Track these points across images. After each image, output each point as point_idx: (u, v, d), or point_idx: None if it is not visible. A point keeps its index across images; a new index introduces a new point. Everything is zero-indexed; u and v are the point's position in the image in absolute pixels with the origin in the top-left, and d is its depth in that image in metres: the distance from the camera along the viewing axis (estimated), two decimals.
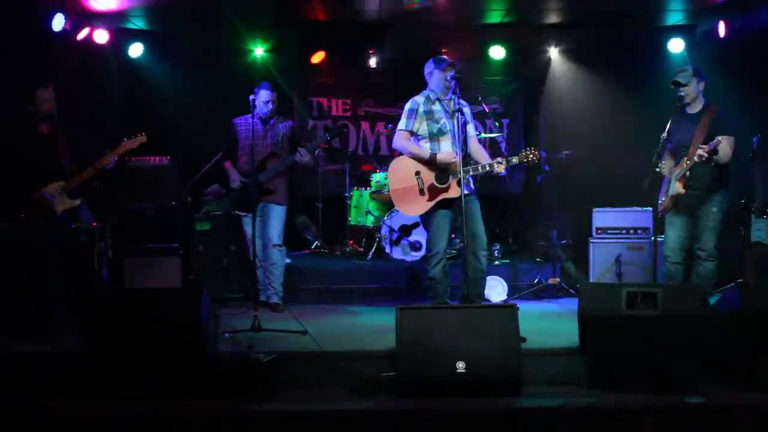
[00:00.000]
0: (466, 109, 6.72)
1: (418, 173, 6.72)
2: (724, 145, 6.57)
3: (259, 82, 7.77)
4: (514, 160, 6.45)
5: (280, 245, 7.74)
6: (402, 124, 6.86)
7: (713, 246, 6.77)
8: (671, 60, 9.83)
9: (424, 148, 6.72)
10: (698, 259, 6.86)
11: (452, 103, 6.53)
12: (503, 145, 10.60)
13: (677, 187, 6.81)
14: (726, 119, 6.80)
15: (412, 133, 6.80)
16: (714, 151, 6.46)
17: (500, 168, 6.42)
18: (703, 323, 5.39)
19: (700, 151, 6.52)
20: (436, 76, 6.69)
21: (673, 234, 6.94)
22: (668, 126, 6.74)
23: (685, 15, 9.82)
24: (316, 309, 7.97)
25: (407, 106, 6.85)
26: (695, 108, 6.91)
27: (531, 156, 6.39)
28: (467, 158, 6.55)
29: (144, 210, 8.35)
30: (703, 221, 6.83)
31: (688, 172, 6.72)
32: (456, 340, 5.37)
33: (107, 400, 5.25)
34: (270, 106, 7.71)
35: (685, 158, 6.80)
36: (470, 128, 6.74)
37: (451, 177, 6.54)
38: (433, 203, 6.65)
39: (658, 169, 6.74)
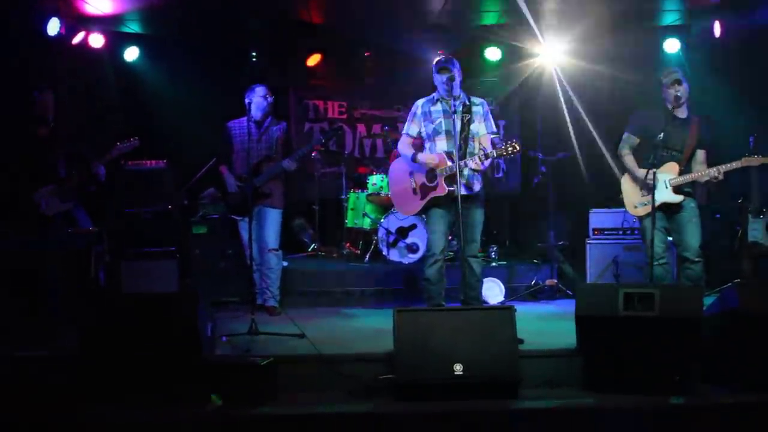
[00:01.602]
0: (478, 108, 6.72)
1: (411, 173, 6.81)
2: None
3: (250, 85, 7.75)
4: (494, 153, 6.44)
5: (276, 249, 7.73)
6: (404, 129, 6.96)
7: (699, 244, 6.71)
8: (667, 60, 9.84)
9: (413, 150, 6.78)
10: (686, 262, 6.75)
11: (450, 103, 6.52)
12: (499, 145, 10.58)
13: (674, 195, 6.75)
14: (709, 131, 6.86)
15: (414, 136, 6.83)
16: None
17: (476, 164, 6.40)
18: (701, 323, 5.39)
19: (715, 173, 6.52)
20: (436, 79, 6.69)
21: (657, 239, 6.85)
22: (663, 126, 6.68)
23: (680, 15, 9.83)
24: (313, 312, 7.96)
25: (411, 109, 6.91)
26: (682, 113, 6.87)
27: (510, 148, 6.37)
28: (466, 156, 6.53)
29: (141, 214, 8.34)
30: (684, 218, 6.76)
31: (683, 178, 6.73)
32: (453, 342, 5.37)
33: (104, 404, 5.24)
34: (269, 99, 7.68)
35: (676, 163, 6.74)
36: (475, 127, 6.67)
37: (438, 175, 6.55)
38: (424, 202, 6.69)
39: (655, 171, 6.68)
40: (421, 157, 6.65)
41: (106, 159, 7.27)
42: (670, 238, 6.97)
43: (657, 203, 6.69)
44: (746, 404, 5.16)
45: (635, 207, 6.94)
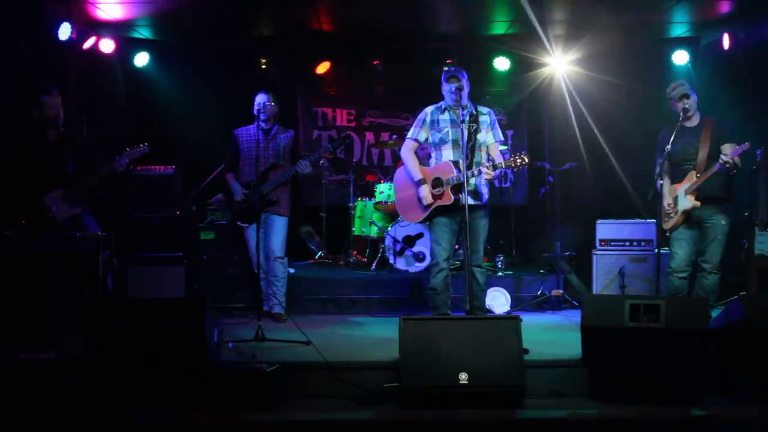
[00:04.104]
0: (485, 117, 6.73)
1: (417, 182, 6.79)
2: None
3: (258, 92, 7.77)
4: (502, 165, 6.45)
5: (282, 257, 7.74)
6: (410, 133, 6.95)
7: (719, 259, 6.82)
8: (675, 72, 9.85)
9: (418, 169, 6.79)
10: (703, 272, 6.88)
11: (458, 112, 6.53)
12: (507, 156, 10.60)
13: (690, 201, 6.81)
14: (727, 127, 6.89)
15: (421, 142, 6.84)
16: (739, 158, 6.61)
17: (488, 174, 6.42)
18: (706, 336, 5.38)
19: (724, 158, 6.55)
20: (444, 88, 6.70)
21: (681, 250, 6.94)
22: (671, 139, 6.73)
23: (689, 27, 9.84)
24: (319, 319, 7.98)
25: (419, 115, 6.91)
26: (693, 121, 6.96)
27: (519, 161, 6.39)
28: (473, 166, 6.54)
29: (149, 219, 8.36)
30: (710, 233, 6.86)
31: (694, 184, 6.76)
32: (459, 351, 5.37)
33: (111, 408, 5.26)
34: (269, 109, 7.59)
35: (694, 172, 6.82)
36: (482, 136, 6.69)
37: (444, 184, 6.57)
38: (428, 211, 6.70)
39: (661, 182, 6.75)
40: (421, 190, 6.68)
41: (125, 157, 7.27)
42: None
43: (678, 213, 6.89)
44: (751, 417, 5.16)
45: (665, 221, 7.03)
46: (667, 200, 6.97)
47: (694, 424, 5.16)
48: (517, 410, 5.31)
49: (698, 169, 6.83)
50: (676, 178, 6.98)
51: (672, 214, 6.95)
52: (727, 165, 6.59)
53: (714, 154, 6.81)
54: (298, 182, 7.88)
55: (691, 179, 6.86)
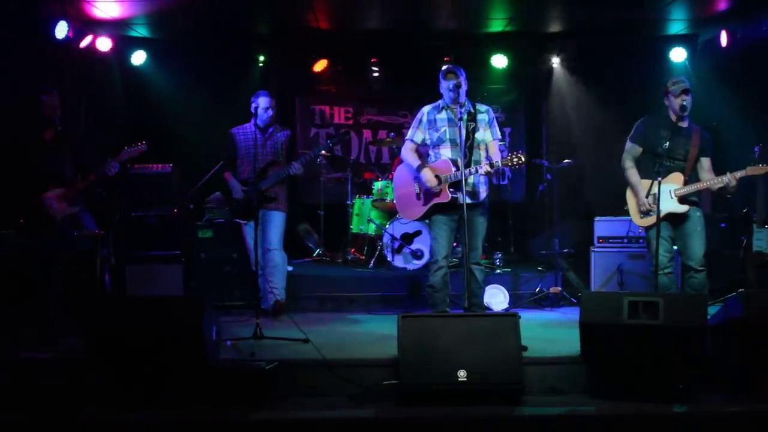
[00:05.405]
0: (483, 115, 6.73)
1: (416, 178, 6.83)
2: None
3: (257, 90, 7.77)
4: (498, 164, 6.44)
5: (279, 249, 7.74)
6: (408, 134, 6.97)
7: (703, 253, 6.69)
8: (673, 69, 9.85)
9: (417, 159, 6.78)
10: (690, 270, 6.73)
11: (456, 110, 6.51)
12: (505, 154, 10.59)
13: (678, 205, 6.72)
14: (710, 141, 6.86)
15: (418, 143, 6.83)
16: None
17: (486, 170, 6.42)
18: (705, 332, 5.38)
19: (731, 178, 6.51)
20: (441, 85, 6.69)
21: (661, 248, 6.82)
22: (668, 134, 6.64)
23: (687, 24, 9.84)
24: (317, 317, 7.97)
25: (416, 115, 6.92)
26: (685, 122, 6.83)
27: (516, 159, 6.38)
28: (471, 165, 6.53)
29: (146, 217, 8.37)
30: (689, 226, 6.73)
31: (687, 189, 6.71)
32: (457, 348, 5.37)
33: (108, 407, 5.25)
34: (270, 112, 7.69)
35: (681, 174, 6.70)
36: (480, 135, 6.68)
37: (443, 182, 6.57)
38: (426, 208, 6.72)
39: (660, 179, 6.66)
40: (423, 174, 6.66)
41: (120, 159, 7.27)
42: (675, 248, 6.96)
43: (662, 213, 6.65)
44: (749, 413, 5.16)
45: (641, 218, 6.91)
46: (644, 194, 6.80)
47: (692, 421, 5.15)
48: (515, 407, 5.30)
49: (686, 171, 6.76)
50: (656, 174, 6.69)
51: (652, 212, 6.77)
52: (730, 185, 6.56)
53: (699, 163, 6.80)
54: (296, 179, 7.87)
55: (677, 179, 6.73)
